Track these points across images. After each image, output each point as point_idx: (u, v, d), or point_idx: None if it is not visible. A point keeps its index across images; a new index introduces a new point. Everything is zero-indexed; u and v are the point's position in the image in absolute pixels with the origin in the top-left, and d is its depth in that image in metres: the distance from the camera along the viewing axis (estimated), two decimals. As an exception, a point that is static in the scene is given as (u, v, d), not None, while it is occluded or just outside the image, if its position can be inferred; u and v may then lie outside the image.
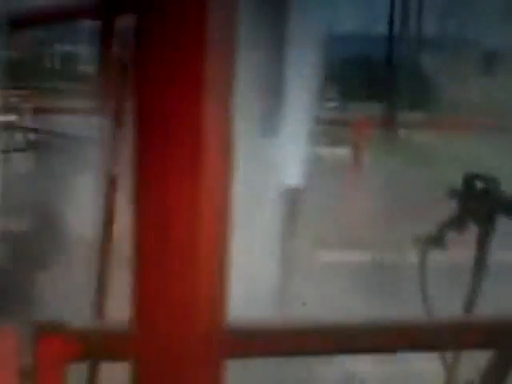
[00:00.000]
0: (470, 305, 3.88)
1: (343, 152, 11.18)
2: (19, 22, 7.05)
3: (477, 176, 3.85)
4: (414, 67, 22.09)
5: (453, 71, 25.31)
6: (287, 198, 4.89)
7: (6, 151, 7.37)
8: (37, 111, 10.47)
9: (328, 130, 9.61)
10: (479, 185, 3.81)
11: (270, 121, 5.50)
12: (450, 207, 3.96)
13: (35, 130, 9.92)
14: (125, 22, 5.04)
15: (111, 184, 4.21)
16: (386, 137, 11.23)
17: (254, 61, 5.10)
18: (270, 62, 5.34)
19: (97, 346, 1.80)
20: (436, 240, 3.98)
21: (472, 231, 3.93)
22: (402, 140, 10.85)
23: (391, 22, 21.24)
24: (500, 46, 28.91)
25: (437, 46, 25.10)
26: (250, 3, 5.45)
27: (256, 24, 5.15)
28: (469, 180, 3.82)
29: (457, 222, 3.88)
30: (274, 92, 5.36)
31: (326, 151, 9.79)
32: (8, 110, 7.64)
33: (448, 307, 4.81)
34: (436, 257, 4.11)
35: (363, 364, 5.19)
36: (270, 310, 4.95)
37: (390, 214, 8.22)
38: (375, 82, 20.40)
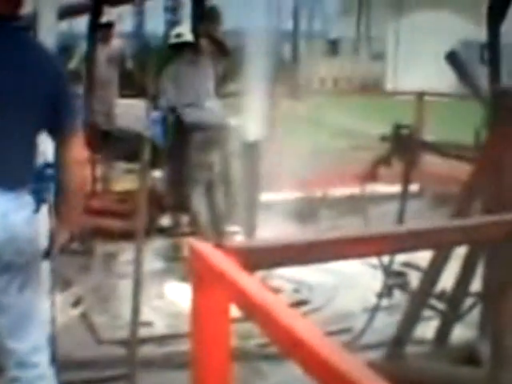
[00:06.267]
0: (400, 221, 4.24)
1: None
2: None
3: (402, 125, 4.20)
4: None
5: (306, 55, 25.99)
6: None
7: None
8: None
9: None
10: (405, 131, 4.17)
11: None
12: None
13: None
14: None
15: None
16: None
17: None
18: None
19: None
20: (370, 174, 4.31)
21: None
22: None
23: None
24: (340, 34, 29.97)
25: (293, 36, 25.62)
26: None
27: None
28: (396, 128, 4.17)
29: (386, 160, 4.23)
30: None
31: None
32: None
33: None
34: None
35: (310, 274, 5.41)
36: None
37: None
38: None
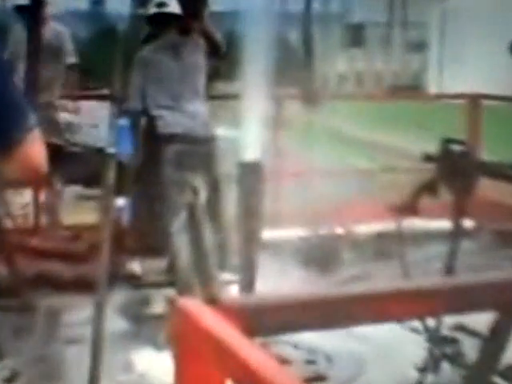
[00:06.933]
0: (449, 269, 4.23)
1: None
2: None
3: (453, 140, 4.21)
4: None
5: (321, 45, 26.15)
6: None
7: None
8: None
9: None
10: (456, 149, 4.18)
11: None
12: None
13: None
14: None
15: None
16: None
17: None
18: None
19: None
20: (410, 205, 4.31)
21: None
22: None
23: None
24: (366, 18, 30.22)
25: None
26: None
27: None
28: (445, 144, 4.17)
29: (432, 186, 4.23)
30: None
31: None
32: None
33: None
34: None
35: (328, 340, 5.36)
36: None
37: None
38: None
